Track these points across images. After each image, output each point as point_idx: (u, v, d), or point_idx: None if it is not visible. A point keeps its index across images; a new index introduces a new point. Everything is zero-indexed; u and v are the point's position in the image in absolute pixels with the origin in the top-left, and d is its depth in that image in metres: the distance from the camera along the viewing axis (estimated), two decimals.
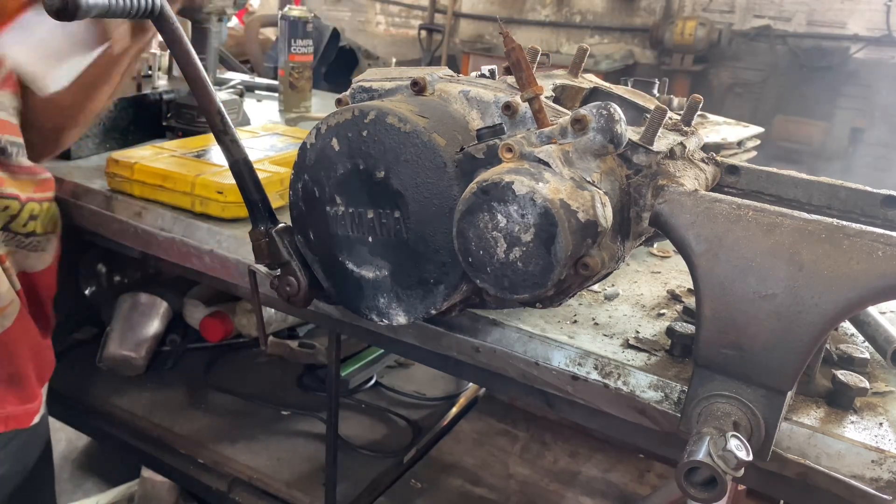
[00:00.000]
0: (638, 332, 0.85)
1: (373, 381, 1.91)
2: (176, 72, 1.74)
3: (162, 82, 1.69)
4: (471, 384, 1.92)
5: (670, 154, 0.74)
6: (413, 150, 0.68)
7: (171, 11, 0.70)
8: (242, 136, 0.76)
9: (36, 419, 1.14)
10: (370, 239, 0.74)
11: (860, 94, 4.90)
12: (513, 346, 0.82)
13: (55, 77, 0.76)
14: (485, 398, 1.94)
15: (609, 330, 0.85)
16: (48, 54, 0.75)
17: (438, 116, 0.71)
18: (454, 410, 1.86)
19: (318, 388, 1.85)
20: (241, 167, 0.77)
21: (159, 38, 0.75)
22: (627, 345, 0.81)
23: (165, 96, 1.52)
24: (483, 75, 0.81)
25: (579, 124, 0.64)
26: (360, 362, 1.79)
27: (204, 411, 1.77)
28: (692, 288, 0.71)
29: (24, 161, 1.06)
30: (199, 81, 0.72)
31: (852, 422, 0.70)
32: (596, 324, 0.86)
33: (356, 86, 0.81)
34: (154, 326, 1.90)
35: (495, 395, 1.94)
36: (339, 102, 0.81)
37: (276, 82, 2.09)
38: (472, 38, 6.35)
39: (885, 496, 0.64)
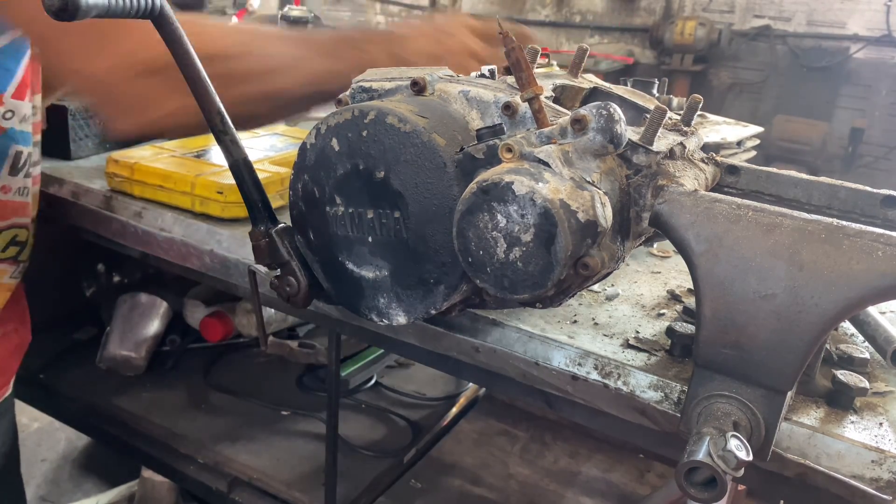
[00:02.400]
0: (638, 332, 0.85)
1: (373, 381, 1.90)
2: None
3: None
4: (471, 384, 1.92)
5: (670, 154, 0.74)
6: (413, 150, 0.68)
7: (170, 11, 0.70)
8: (242, 136, 0.76)
9: None
10: (370, 239, 0.74)
11: (860, 94, 4.91)
12: (513, 346, 0.82)
13: None
14: (485, 398, 1.94)
15: (609, 330, 0.85)
16: None
17: (438, 116, 0.71)
18: (454, 410, 1.86)
19: (318, 388, 1.85)
20: (241, 167, 0.76)
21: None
22: (627, 345, 0.81)
23: None
24: (483, 75, 0.80)
25: (579, 124, 0.64)
26: (360, 362, 1.78)
27: (204, 411, 1.77)
28: (692, 288, 0.71)
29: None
30: (199, 81, 0.72)
31: (852, 422, 0.70)
32: (596, 324, 0.86)
33: (356, 86, 0.81)
34: (154, 326, 1.90)
35: (495, 395, 1.94)
36: (339, 102, 0.81)
37: None
38: None
39: (885, 496, 0.64)
